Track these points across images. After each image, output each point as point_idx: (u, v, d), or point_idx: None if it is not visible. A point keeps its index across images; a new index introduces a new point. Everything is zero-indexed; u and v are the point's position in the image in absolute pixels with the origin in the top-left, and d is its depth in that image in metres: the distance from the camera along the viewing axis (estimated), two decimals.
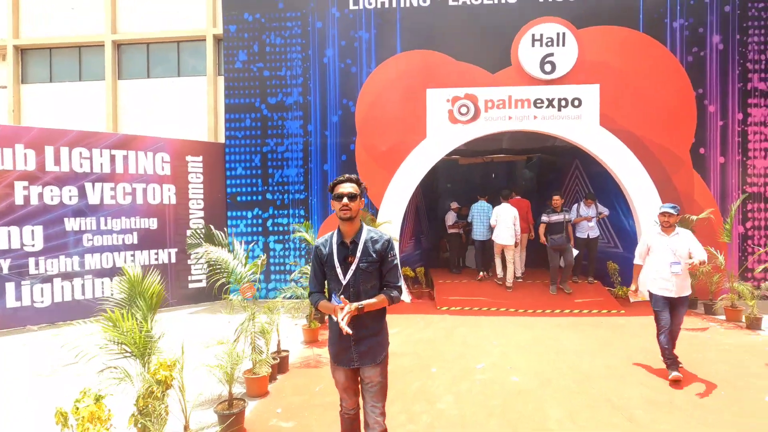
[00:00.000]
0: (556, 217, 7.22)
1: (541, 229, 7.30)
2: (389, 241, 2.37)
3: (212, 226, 4.25)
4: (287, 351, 4.51)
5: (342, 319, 2.09)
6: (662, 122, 7.28)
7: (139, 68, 12.01)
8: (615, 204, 8.06)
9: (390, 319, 2.50)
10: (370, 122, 7.67)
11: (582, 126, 7.36)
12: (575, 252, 7.36)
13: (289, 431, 3.17)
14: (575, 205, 8.08)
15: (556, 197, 7.29)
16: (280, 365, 4.25)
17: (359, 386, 2.42)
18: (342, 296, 2.27)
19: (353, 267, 2.29)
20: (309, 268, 5.41)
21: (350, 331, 2.09)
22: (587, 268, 7.99)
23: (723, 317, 6.21)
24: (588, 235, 7.70)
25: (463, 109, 7.48)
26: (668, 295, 3.96)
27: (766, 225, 7.25)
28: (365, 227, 2.41)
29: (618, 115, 7.31)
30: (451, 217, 9.41)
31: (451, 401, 3.62)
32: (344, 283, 2.29)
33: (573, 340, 5.25)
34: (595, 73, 7.38)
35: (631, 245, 7.70)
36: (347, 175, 2.42)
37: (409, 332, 5.67)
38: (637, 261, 4.40)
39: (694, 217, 6.77)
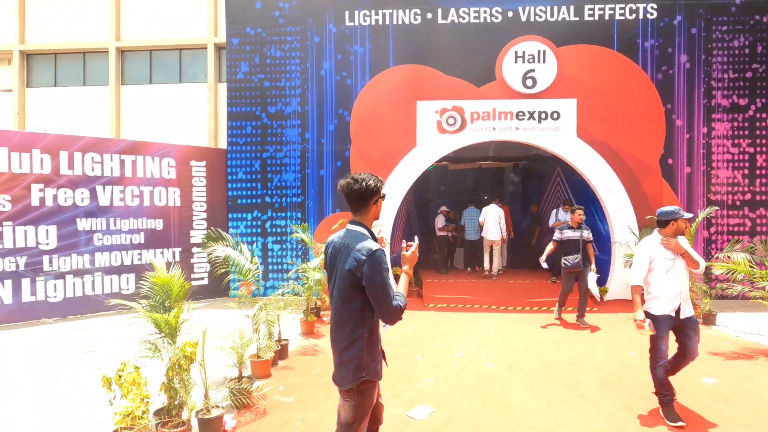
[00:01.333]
0: (570, 234, 6.08)
1: (550, 248, 6.23)
2: None
3: (220, 230, 4.76)
4: (287, 340, 5.02)
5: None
6: (634, 134, 7.89)
7: (141, 74, 12.44)
8: (591, 209, 8.64)
9: None
10: (364, 131, 8.20)
11: (560, 137, 7.94)
12: (594, 277, 6.09)
13: (290, 404, 3.68)
14: (554, 210, 8.70)
15: (579, 211, 6.13)
16: (281, 352, 4.76)
17: None
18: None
19: None
20: (306, 266, 5.95)
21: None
22: None
23: None
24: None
25: (451, 120, 8.03)
26: (673, 315, 3.35)
27: (728, 230, 7.87)
28: None
29: (593, 127, 7.90)
30: (440, 221, 9.98)
31: (431, 382, 4.15)
32: None
33: (544, 333, 5.82)
34: (573, 88, 7.97)
35: (605, 247, 8.30)
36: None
37: (397, 326, 6.18)
38: (638, 281, 3.41)
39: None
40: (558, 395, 3.85)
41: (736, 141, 7.87)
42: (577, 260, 6.02)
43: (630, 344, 5.29)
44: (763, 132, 7.83)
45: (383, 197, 2.19)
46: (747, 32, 7.83)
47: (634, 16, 7.94)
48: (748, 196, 7.85)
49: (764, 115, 7.82)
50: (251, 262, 4.64)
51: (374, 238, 2.15)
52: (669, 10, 7.91)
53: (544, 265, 6.19)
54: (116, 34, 12.08)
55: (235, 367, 3.91)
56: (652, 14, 7.92)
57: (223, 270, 4.73)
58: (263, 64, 8.35)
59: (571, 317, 6.48)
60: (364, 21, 8.22)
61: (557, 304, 6.56)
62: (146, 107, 12.20)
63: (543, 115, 7.95)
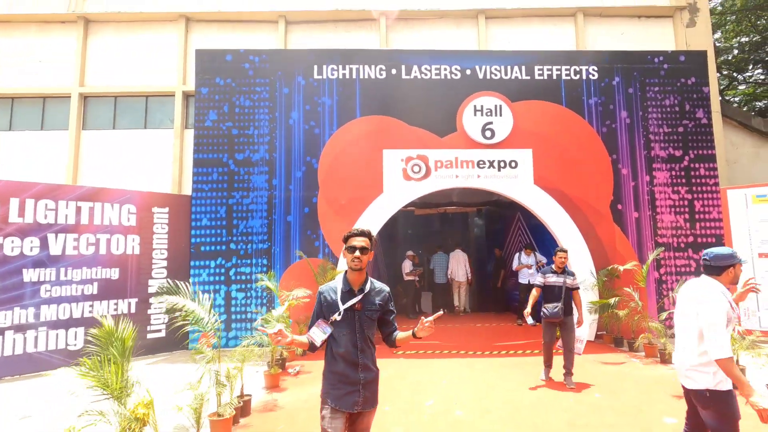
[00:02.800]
0: (554, 280, 5.48)
1: (534, 296, 5.54)
2: (389, 293, 2.62)
3: (177, 281, 4.59)
4: (249, 395, 4.76)
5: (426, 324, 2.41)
6: (585, 182, 8.45)
7: (104, 119, 12.26)
8: (551, 252, 8.97)
9: None
10: (331, 178, 8.34)
11: (519, 184, 8.39)
12: (583, 333, 5.57)
13: None
14: (517, 254, 9.01)
15: (561, 254, 5.55)
16: (243, 409, 4.49)
17: None
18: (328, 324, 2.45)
19: (359, 314, 2.46)
20: (271, 315, 5.77)
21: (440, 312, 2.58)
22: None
23: (643, 353, 7.04)
24: (529, 281, 8.55)
25: (416, 168, 8.35)
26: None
27: (676, 271, 8.37)
28: (369, 278, 2.59)
29: (549, 175, 8.42)
30: (407, 266, 10.07)
31: None
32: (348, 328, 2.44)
33: (512, 377, 5.82)
34: (529, 139, 8.54)
35: None
36: (360, 229, 2.58)
37: None
38: (730, 351, 2.47)
39: (621, 267, 7.75)
40: None
41: (675, 188, 8.57)
42: (556, 309, 5.38)
43: (596, 387, 5.38)
44: (698, 180, 8.59)
45: (348, 248, 2.55)
46: (676, 92, 8.79)
47: (578, 76, 8.77)
48: (690, 239, 8.45)
49: (697, 165, 8.62)
50: (210, 313, 4.48)
51: (347, 285, 2.53)
52: (608, 72, 8.80)
53: (530, 320, 5.46)
54: (80, 80, 11.99)
55: (193, 428, 3.66)
56: (593, 75, 8.78)
57: (180, 323, 4.52)
58: (232, 112, 8.48)
59: (557, 374, 5.73)
60: (332, 75, 8.61)
61: (544, 364, 5.69)
62: (108, 153, 11.93)
63: (502, 164, 8.42)
